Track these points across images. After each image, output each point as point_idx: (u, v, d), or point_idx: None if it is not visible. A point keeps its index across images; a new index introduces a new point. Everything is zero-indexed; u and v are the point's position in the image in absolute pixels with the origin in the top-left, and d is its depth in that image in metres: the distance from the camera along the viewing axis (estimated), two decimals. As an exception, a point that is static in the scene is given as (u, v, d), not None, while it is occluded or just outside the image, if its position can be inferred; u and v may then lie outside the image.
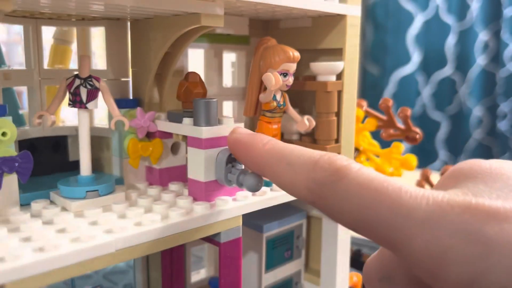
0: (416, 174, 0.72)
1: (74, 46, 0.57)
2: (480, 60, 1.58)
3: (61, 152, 0.53)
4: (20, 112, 0.52)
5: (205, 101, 0.43)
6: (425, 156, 1.54)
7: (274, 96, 0.49)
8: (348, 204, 0.23)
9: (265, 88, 0.51)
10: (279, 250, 0.57)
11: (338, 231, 0.57)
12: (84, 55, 0.42)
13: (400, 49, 1.61)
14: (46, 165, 0.51)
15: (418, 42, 1.61)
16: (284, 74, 0.48)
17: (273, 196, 0.47)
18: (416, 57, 1.62)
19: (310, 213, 0.60)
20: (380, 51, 1.60)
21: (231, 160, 0.44)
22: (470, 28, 1.56)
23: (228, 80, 0.62)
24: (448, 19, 1.58)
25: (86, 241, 0.34)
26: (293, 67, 0.49)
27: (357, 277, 0.73)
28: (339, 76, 0.54)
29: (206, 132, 0.42)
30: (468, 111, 1.61)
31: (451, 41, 1.59)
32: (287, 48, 0.48)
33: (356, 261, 0.66)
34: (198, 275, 0.63)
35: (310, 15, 0.54)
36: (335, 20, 0.53)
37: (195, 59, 0.56)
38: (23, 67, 0.49)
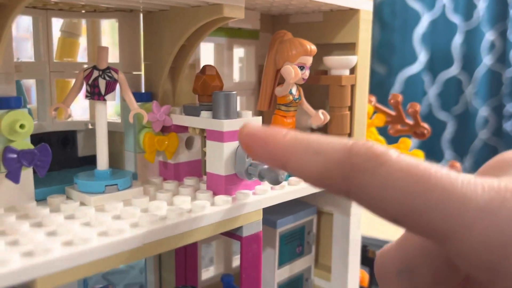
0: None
1: (81, 40, 0.55)
2: (487, 60, 1.58)
3: (70, 147, 0.51)
4: (28, 106, 0.51)
5: (225, 94, 0.42)
6: (430, 155, 1.53)
7: (290, 89, 0.49)
8: (392, 191, 0.21)
9: (280, 82, 0.51)
10: (291, 246, 0.56)
11: (350, 227, 0.57)
12: (102, 46, 0.41)
13: (407, 48, 1.60)
14: (55, 160, 0.49)
15: (425, 42, 1.61)
16: (301, 68, 0.48)
17: (291, 190, 0.47)
18: (422, 57, 1.62)
19: (321, 208, 0.60)
20: (386, 50, 1.60)
21: (251, 153, 0.43)
22: (476, 28, 1.57)
23: (235, 75, 0.61)
24: (455, 18, 1.59)
25: (114, 235, 0.33)
26: (309, 60, 0.48)
27: (362, 273, 0.74)
28: (352, 71, 0.54)
29: (227, 125, 0.42)
30: (474, 111, 1.61)
31: (457, 40, 1.59)
32: (304, 42, 0.48)
33: (362, 257, 0.66)
34: (207, 272, 0.62)
35: (322, 9, 0.54)
36: (348, 15, 0.53)
37: (205, 53, 0.56)
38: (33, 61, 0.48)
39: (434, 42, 1.61)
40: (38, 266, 0.29)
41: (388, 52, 1.62)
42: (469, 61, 1.61)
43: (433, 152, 1.61)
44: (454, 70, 1.63)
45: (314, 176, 0.24)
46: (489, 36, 1.58)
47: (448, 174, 0.20)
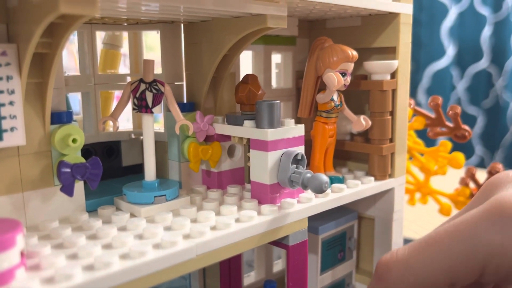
0: (461, 172, 0.72)
1: (122, 51, 0.56)
2: (517, 52, 1.54)
3: (114, 157, 0.52)
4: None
5: (269, 103, 0.43)
6: (460, 151, 1.51)
7: (332, 96, 0.49)
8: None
9: (320, 89, 0.50)
10: (333, 252, 0.56)
11: (392, 232, 0.56)
12: (148, 59, 0.42)
13: (434, 42, 1.57)
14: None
15: (453, 35, 1.57)
16: (343, 74, 0.48)
17: (335, 197, 0.47)
18: (450, 51, 1.58)
19: (362, 213, 0.59)
20: (413, 45, 1.58)
21: (295, 161, 0.43)
22: (506, 19, 1.52)
23: (273, 81, 0.61)
24: (484, 10, 1.54)
25: (168, 248, 0.33)
26: (351, 66, 0.48)
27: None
28: (392, 75, 0.53)
29: (271, 134, 0.42)
30: (505, 104, 1.56)
31: (486, 33, 1.55)
32: (345, 48, 0.47)
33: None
34: (249, 278, 0.62)
35: (361, 14, 0.54)
36: (387, 19, 0.53)
37: (244, 61, 0.56)
38: (73, 73, 0.49)
39: (462, 35, 1.57)
40: (100, 280, 0.29)
41: (415, 47, 1.59)
42: (499, 54, 1.56)
43: (463, 148, 1.58)
44: (483, 63, 1.59)
45: None
46: (519, 27, 1.54)
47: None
